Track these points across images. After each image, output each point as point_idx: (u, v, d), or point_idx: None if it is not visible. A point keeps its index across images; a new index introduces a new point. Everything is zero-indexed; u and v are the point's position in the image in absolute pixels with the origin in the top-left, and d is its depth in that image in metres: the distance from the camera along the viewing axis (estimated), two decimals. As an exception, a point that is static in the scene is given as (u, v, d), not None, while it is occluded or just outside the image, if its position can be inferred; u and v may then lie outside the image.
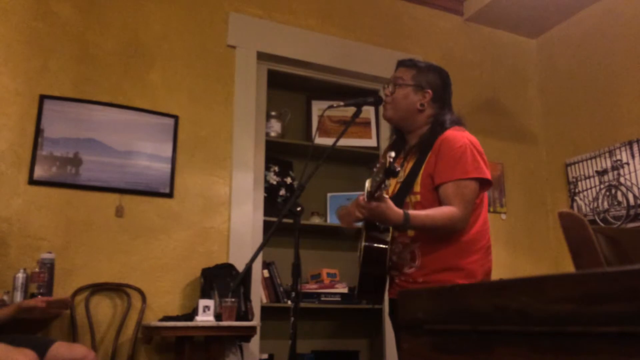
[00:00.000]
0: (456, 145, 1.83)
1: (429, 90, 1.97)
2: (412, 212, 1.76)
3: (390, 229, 1.85)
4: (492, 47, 4.23)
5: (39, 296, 2.28)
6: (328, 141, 3.52)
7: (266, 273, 3.30)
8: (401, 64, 2.06)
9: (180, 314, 2.82)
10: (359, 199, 1.76)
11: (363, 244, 1.83)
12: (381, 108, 2.11)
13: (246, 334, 2.76)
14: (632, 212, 3.43)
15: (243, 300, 2.79)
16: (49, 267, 2.50)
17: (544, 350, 0.56)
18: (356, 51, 3.68)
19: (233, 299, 2.66)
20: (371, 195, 1.68)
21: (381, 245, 1.83)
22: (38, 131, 2.77)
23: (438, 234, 1.83)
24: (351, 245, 3.64)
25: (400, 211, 1.73)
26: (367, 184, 1.75)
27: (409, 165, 1.94)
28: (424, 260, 1.85)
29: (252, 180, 3.20)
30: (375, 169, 1.66)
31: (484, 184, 1.86)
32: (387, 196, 1.72)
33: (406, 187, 1.89)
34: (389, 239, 1.85)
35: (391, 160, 1.52)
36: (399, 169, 1.63)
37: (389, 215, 1.71)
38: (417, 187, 1.87)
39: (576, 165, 3.87)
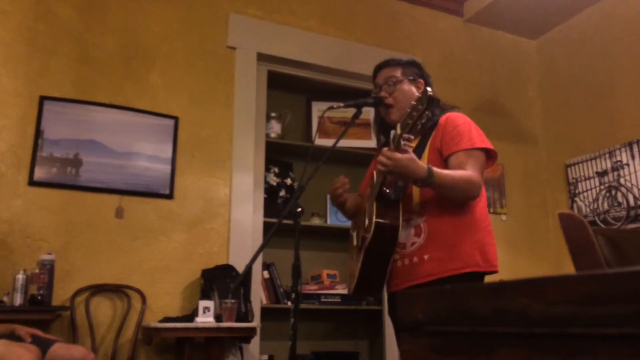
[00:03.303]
0: (460, 122, 1.90)
1: (421, 80, 2.02)
2: (435, 168, 1.71)
3: (400, 201, 1.81)
4: (492, 48, 4.23)
5: (30, 328, 2.21)
6: (328, 142, 3.53)
7: (266, 274, 3.30)
8: (385, 64, 2.06)
9: (180, 315, 2.81)
10: (383, 149, 1.73)
11: (374, 220, 1.75)
12: (381, 111, 2.10)
13: (246, 335, 2.76)
14: (632, 213, 3.43)
15: (243, 302, 2.79)
16: (49, 269, 2.50)
17: (544, 351, 0.56)
18: (356, 52, 3.68)
19: (233, 300, 2.66)
20: (398, 142, 1.66)
21: (393, 222, 1.75)
22: (38, 132, 2.77)
23: (455, 197, 1.80)
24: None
25: (425, 164, 1.70)
26: (397, 127, 1.70)
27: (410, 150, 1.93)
28: (430, 236, 1.81)
29: (252, 181, 3.20)
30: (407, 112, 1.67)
31: (488, 157, 1.92)
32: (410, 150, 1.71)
33: None
34: (400, 212, 1.78)
35: (430, 91, 1.57)
36: (440, 100, 1.68)
37: (414, 166, 1.67)
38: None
39: (576, 166, 3.87)
